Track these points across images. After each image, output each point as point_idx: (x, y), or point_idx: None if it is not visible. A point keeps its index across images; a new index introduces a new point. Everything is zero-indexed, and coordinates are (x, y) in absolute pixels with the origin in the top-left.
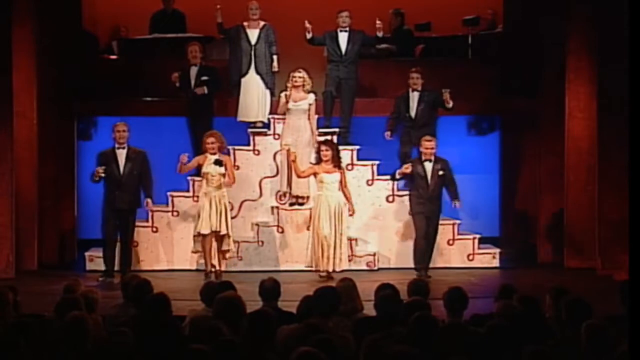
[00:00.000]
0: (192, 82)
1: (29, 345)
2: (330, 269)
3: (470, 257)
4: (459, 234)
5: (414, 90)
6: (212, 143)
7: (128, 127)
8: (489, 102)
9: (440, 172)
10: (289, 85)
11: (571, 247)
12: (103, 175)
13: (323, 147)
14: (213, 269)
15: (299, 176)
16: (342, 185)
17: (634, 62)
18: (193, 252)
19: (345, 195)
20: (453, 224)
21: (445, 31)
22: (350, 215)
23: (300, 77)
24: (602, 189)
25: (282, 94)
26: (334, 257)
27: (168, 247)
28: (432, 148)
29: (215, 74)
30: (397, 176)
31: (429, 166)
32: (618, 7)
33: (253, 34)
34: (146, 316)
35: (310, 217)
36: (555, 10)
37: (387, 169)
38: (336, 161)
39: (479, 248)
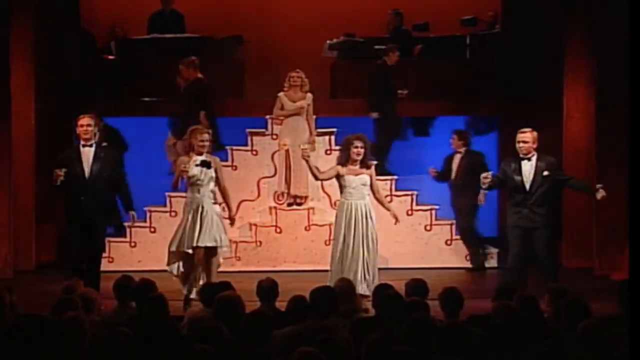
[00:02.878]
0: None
1: (26, 345)
2: None
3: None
4: (457, 233)
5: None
6: (206, 141)
7: (95, 122)
8: (487, 102)
9: (545, 173)
10: (287, 85)
11: (569, 247)
12: (63, 178)
13: (358, 143)
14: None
15: (316, 178)
16: (374, 190)
17: (633, 62)
18: (170, 270)
19: (380, 203)
20: (451, 224)
21: (443, 31)
22: (396, 223)
23: (298, 77)
24: None
25: (281, 94)
26: (354, 278)
27: (166, 248)
28: (526, 141)
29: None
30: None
31: (527, 165)
32: (618, 7)
33: None
34: (144, 317)
35: (308, 219)
36: (554, 10)
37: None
38: (366, 160)
39: None
